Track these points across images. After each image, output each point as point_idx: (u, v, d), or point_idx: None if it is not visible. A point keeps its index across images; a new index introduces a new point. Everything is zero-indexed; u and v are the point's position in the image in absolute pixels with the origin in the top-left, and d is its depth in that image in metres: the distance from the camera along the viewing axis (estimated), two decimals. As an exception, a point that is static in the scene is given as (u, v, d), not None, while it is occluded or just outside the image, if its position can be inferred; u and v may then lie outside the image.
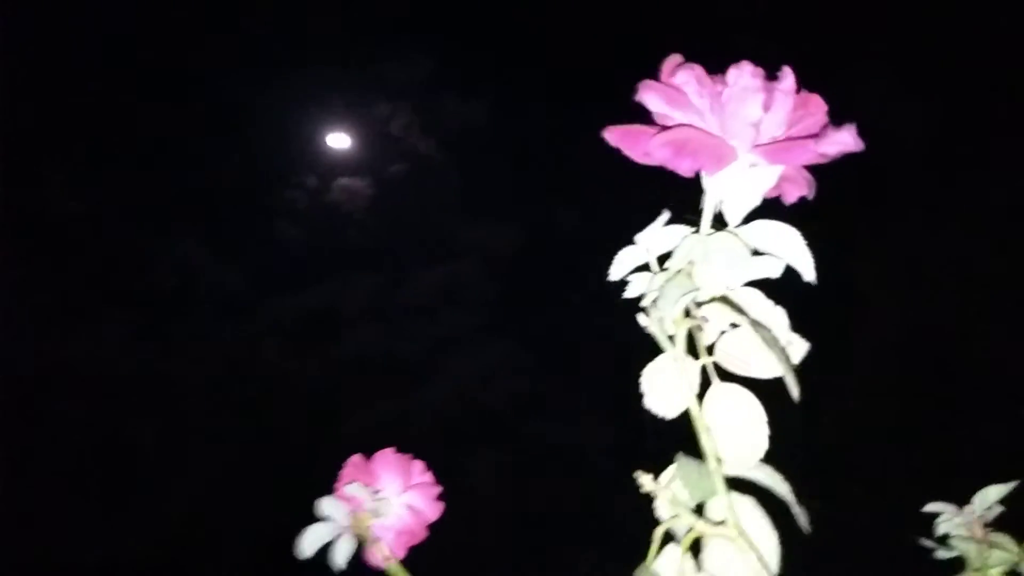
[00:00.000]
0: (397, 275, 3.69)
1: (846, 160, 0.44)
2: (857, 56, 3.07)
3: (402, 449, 0.71)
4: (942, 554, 0.57)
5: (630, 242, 0.49)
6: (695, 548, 0.52)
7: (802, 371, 0.51)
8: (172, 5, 3.34)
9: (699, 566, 0.51)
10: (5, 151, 3.11)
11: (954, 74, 3.00)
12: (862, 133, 0.42)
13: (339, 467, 0.70)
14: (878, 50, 3.11)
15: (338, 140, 3.66)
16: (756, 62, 0.43)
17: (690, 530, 0.49)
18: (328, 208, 3.65)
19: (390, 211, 3.68)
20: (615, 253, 0.50)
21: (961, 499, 0.55)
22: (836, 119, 0.43)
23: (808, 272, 0.46)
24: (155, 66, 3.38)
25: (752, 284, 0.49)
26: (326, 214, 3.66)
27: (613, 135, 0.44)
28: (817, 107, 0.44)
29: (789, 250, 0.47)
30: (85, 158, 3.46)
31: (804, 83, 0.42)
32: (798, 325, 0.50)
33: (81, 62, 3.31)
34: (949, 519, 0.55)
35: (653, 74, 0.45)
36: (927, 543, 0.57)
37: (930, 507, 0.56)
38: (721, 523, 0.48)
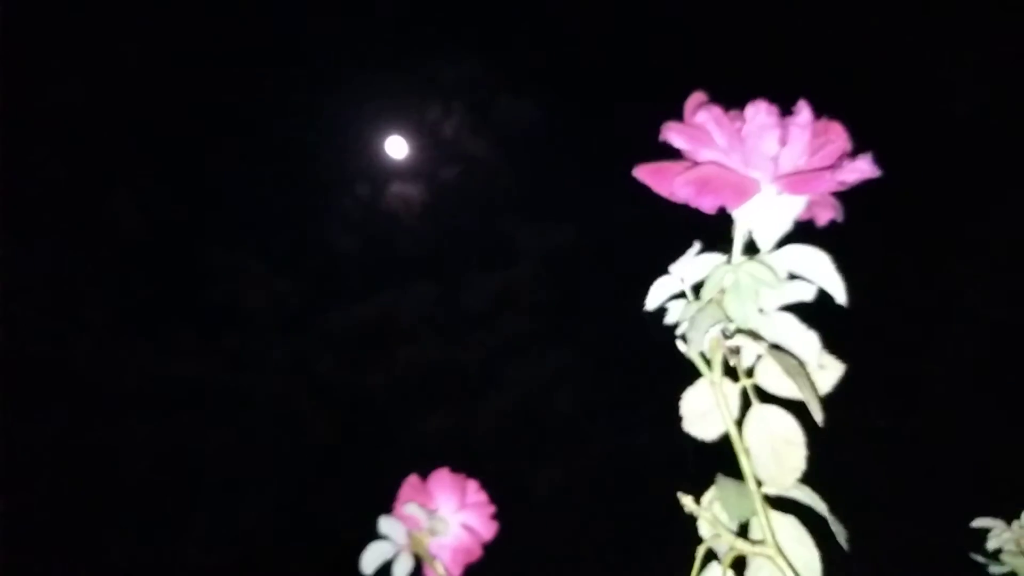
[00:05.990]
0: (453, 283, 3.70)
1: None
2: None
3: (461, 458, 0.74)
4: (994, 569, 0.56)
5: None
6: (739, 566, 0.53)
7: (842, 389, 0.52)
8: (221, 19, 3.43)
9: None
10: (75, 166, 3.27)
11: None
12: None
13: (398, 477, 0.73)
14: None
15: (391, 146, 3.67)
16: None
17: (731, 549, 0.50)
18: (382, 216, 3.69)
19: (444, 217, 3.70)
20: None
21: (1009, 514, 0.55)
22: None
23: (839, 295, 0.47)
24: (207, 79, 3.47)
25: (787, 308, 0.50)
26: (381, 222, 3.69)
27: (642, 173, 0.46)
28: (837, 134, 0.45)
29: (820, 274, 0.48)
30: (146, 171, 3.56)
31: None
32: (839, 343, 0.50)
33: (139, 77, 3.43)
34: (999, 534, 0.55)
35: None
36: (979, 558, 0.57)
37: (978, 522, 0.55)
38: (761, 542, 0.49)
